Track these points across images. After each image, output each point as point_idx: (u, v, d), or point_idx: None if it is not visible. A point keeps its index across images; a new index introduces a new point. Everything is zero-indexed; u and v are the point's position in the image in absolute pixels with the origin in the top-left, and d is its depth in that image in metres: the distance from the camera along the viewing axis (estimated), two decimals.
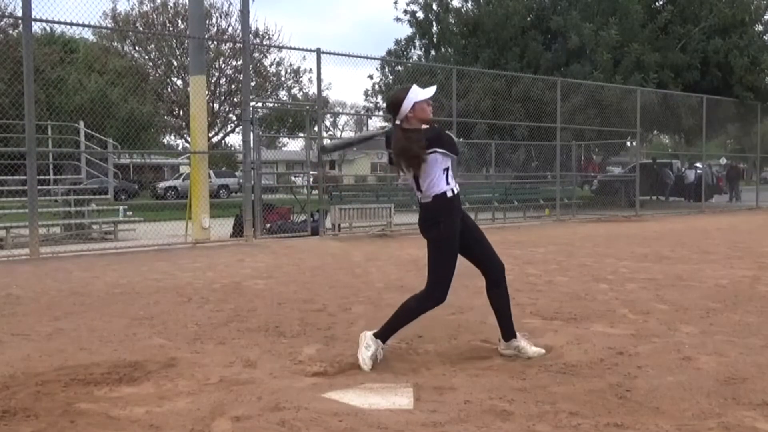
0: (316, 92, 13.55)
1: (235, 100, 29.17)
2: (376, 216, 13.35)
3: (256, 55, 29.14)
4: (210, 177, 16.69)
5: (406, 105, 3.74)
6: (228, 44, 29.49)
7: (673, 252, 9.35)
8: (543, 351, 4.00)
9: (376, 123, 25.33)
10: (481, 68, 20.34)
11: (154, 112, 29.07)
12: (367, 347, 3.82)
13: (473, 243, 3.92)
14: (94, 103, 21.38)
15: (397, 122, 3.79)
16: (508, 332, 4.00)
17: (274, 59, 31.35)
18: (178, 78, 31.15)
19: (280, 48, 31.69)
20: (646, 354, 4.02)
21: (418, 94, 3.76)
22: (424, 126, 3.79)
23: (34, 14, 9.36)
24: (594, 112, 19.40)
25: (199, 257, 9.31)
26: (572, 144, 19.56)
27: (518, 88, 19.58)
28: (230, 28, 29.95)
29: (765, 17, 23.04)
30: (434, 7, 23.34)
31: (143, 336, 4.64)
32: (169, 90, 31.44)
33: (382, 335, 3.88)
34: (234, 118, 31.10)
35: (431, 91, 3.81)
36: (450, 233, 3.80)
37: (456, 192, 3.83)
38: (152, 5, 30.13)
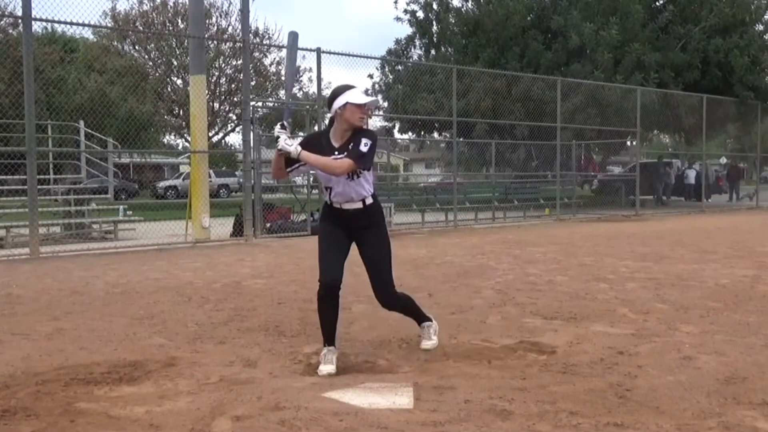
0: (316, 92, 13.55)
1: (235, 99, 29.19)
2: None
3: (256, 54, 29.14)
4: (210, 176, 16.67)
5: (339, 101, 3.75)
6: (228, 44, 29.51)
7: (673, 251, 9.35)
8: (431, 345, 4.17)
9: (377, 123, 25.28)
10: (481, 68, 20.34)
11: (154, 111, 29.08)
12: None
13: (364, 259, 4.02)
14: (94, 103, 21.37)
15: (329, 115, 3.87)
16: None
17: (274, 59, 31.40)
18: (178, 77, 31.17)
19: (280, 47, 31.69)
20: (646, 353, 4.02)
21: (354, 96, 3.76)
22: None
23: (34, 14, 9.36)
24: (594, 112, 19.41)
25: (199, 257, 9.31)
26: (572, 143, 19.57)
27: (518, 87, 19.59)
28: (230, 28, 30.01)
29: (765, 17, 23.05)
30: (434, 6, 23.34)
31: (143, 335, 4.64)
32: (169, 89, 31.45)
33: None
34: (234, 117, 31.12)
35: (366, 99, 3.80)
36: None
37: (330, 202, 3.92)
38: (152, 5, 30.16)
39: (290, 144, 3.67)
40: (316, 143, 3.83)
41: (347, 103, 3.73)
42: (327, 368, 3.71)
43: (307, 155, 3.69)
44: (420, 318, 4.20)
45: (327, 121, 4.00)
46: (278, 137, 3.68)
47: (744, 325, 4.76)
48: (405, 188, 23.34)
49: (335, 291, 3.81)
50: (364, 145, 3.72)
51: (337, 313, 3.85)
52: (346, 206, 3.85)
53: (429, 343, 4.15)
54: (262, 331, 4.74)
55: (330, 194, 3.88)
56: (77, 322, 5.10)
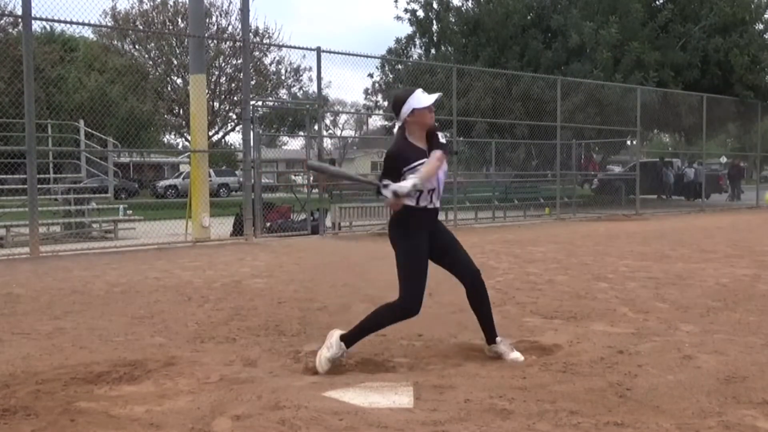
0: (316, 91, 13.54)
1: (236, 98, 29.14)
2: (376, 215, 13.34)
3: (256, 53, 29.10)
4: (210, 176, 16.68)
5: (405, 109, 3.70)
6: (228, 43, 29.49)
7: (674, 251, 9.35)
8: (522, 359, 3.90)
9: (377, 122, 25.31)
10: (481, 67, 20.32)
11: (154, 110, 29.06)
12: (329, 348, 3.74)
13: (446, 248, 3.87)
14: (94, 102, 21.36)
15: (399, 124, 3.79)
16: (490, 335, 3.98)
17: (274, 58, 31.37)
18: (178, 77, 31.14)
19: (280, 47, 31.68)
20: (646, 353, 4.02)
21: (419, 100, 3.71)
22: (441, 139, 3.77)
23: (33, 13, 9.35)
24: (594, 111, 19.39)
25: (199, 256, 9.31)
26: (572, 143, 19.56)
27: (518, 86, 19.58)
28: (230, 27, 29.96)
29: (765, 16, 23.05)
30: (434, 5, 23.33)
31: (143, 335, 4.64)
32: (169, 89, 31.42)
33: (348, 340, 3.78)
34: (234, 116, 31.09)
35: (432, 98, 3.74)
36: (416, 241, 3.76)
37: (429, 204, 3.80)
38: (152, 4, 30.13)
39: (405, 186, 3.53)
40: (407, 156, 3.70)
41: (414, 109, 3.69)
42: (327, 368, 3.72)
43: (422, 177, 3.57)
44: (492, 332, 3.97)
45: (396, 129, 3.89)
46: (387, 191, 3.56)
47: (744, 324, 4.76)
48: None
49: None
50: (442, 137, 3.80)
51: None
52: (437, 203, 3.83)
53: (516, 355, 3.91)
54: (262, 331, 4.74)
55: (431, 197, 3.74)
56: (77, 321, 5.10)
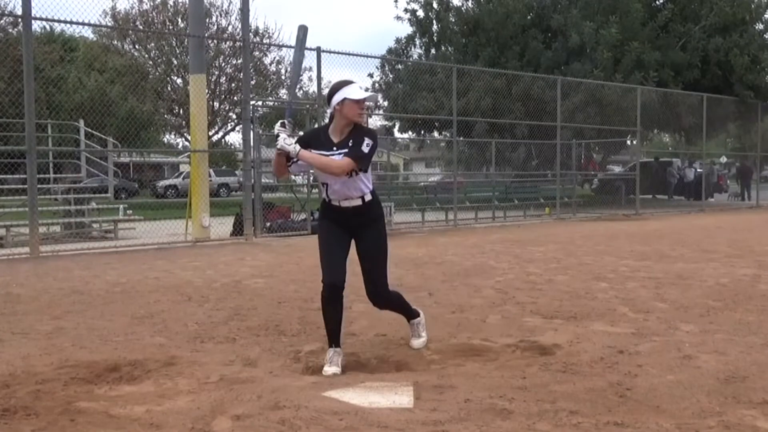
0: (316, 91, 13.54)
1: (236, 98, 29.16)
2: None
3: (256, 53, 29.12)
4: (210, 176, 16.67)
5: (337, 98, 3.73)
6: (228, 43, 29.50)
7: (674, 250, 9.35)
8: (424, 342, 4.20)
9: (377, 122, 25.29)
10: (481, 67, 20.33)
11: (154, 110, 29.08)
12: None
13: (360, 256, 3.96)
14: (94, 102, 21.38)
15: (329, 111, 3.84)
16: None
17: (275, 58, 31.39)
18: (178, 76, 31.15)
19: (280, 47, 31.70)
20: (646, 352, 4.02)
21: (352, 92, 3.73)
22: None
23: (33, 13, 9.34)
24: (594, 111, 19.40)
25: (199, 256, 9.31)
26: (572, 143, 19.57)
27: (518, 86, 19.59)
28: (230, 27, 29.98)
29: (765, 16, 23.06)
30: (434, 5, 23.34)
31: (143, 335, 4.64)
32: (169, 88, 31.43)
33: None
34: (234, 116, 31.11)
35: (364, 95, 3.77)
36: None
37: (329, 200, 3.88)
38: (152, 4, 30.14)
39: (289, 143, 3.65)
40: (316, 138, 3.83)
41: (345, 99, 3.71)
42: (332, 369, 3.70)
43: (305, 155, 3.67)
44: (409, 314, 4.22)
45: (327, 118, 3.96)
46: (278, 135, 3.68)
47: (744, 324, 4.76)
48: (405, 187, 23.34)
49: (339, 291, 3.79)
50: (366, 146, 3.71)
51: (342, 314, 3.84)
52: (345, 204, 3.82)
53: (419, 342, 4.18)
54: (262, 331, 4.74)
55: (327, 191, 3.84)
56: (77, 321, 5.10)
